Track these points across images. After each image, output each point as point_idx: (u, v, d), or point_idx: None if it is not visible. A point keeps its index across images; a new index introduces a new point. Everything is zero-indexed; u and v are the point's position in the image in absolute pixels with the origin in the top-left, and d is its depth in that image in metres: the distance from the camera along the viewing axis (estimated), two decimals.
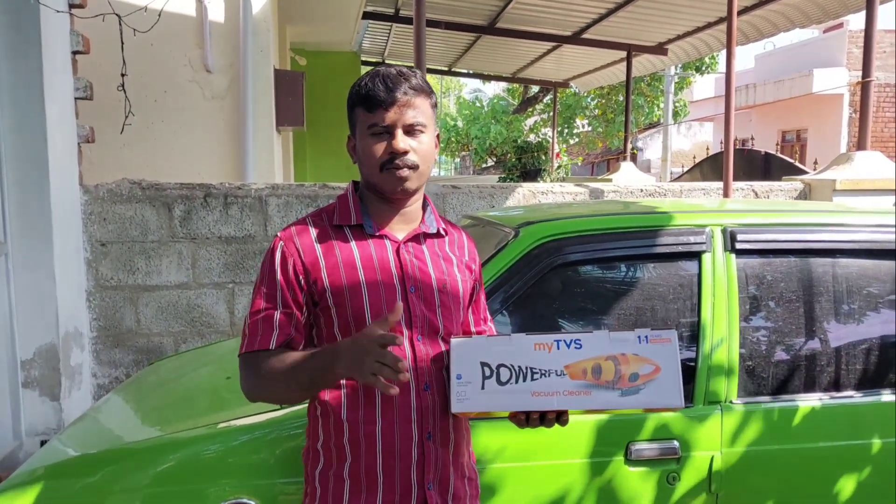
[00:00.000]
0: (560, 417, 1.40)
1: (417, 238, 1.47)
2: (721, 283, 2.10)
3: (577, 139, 19.33)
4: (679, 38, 8.19)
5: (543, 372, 1.35)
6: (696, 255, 2.13)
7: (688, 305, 2.10)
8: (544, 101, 16.19)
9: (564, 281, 2.07)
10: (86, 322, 3.78)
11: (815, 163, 6.54)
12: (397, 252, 1.44)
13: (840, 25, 15.06)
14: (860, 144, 4.69)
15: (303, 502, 1.49)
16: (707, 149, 9.91)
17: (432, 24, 8.36)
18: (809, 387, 2.07)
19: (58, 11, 3.30)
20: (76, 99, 3.63)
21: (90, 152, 3.89)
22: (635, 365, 1.33)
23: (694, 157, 10.19)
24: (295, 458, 1.84)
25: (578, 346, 1.35)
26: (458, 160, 23.93)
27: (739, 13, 6.86)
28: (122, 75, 3.43)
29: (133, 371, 3.78)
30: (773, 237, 2.16)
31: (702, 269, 2.11)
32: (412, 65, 11.75)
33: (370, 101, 1.37)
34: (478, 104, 18.59)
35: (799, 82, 14.83)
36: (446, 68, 11.98)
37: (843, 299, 2.18)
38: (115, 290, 3.82)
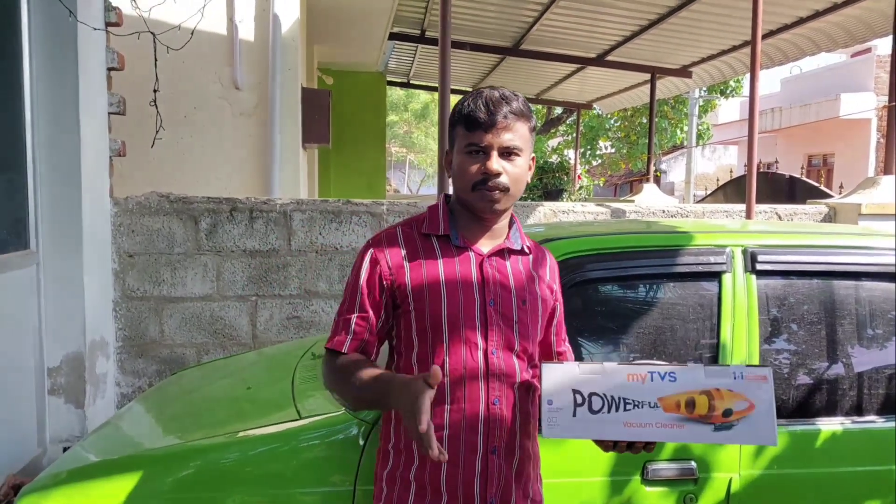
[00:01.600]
0: (648, 445, 1.42)
1: (501, 253, 1.52)
2: (741, 303, 2.09)
3: (599, 160, 19.31)
4: (703, 60, 8.20)
5: (637, 403, 1.35)
6: (716, 276, 2.12)
7: (707, 326, 2.10)
8: (567, 122, 16.23)
9: (585, 298, 2.08)
10: (112, 331, 3.85)
11: (841, 187, 6.47)
12: (480, 265, 1.48)
13: (868, 50, 14.96)
14: (886, 168, 4.64)
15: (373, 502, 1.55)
16: (731, 172, 9.85)
17: (457, 45, 8.46)
18: (830, 410, 2.05)
19: (95, 29, 3.41)
20: (109, 114, 3.74)
21: (121, 165, 3.99)
22: (729, 400, 1.33)
23: (717, 180, 10.13)
24: (312, 469, 1.87)
25: (673, 378, 1.35)
26: None
27: (764, 37, 6.86)
28: (155, 91, 3.52)
29: (156, 381, 3.84)
30: (793, 258, 2.15)
31: (722, 290, 2.11)
32: (437, 85, 11.79)
33: (471, 120, 1.43)
34: None
35: (826, 106, 14.72)
36: (470, 89, 12.09)
37: (865, 323, 2.16)
38: (141, 301, 3.89)
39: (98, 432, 2.39)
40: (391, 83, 12.21)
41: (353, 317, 1.48)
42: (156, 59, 3.43)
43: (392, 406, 1.38)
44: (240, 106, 4.61)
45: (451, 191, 1.60)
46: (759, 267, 2.12)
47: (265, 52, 4.56)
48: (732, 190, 7.68)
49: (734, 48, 7.47)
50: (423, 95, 27.73)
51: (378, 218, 4.06)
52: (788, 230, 2.32)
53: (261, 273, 3.94)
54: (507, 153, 1.43)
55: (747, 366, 1.37)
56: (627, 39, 7.68)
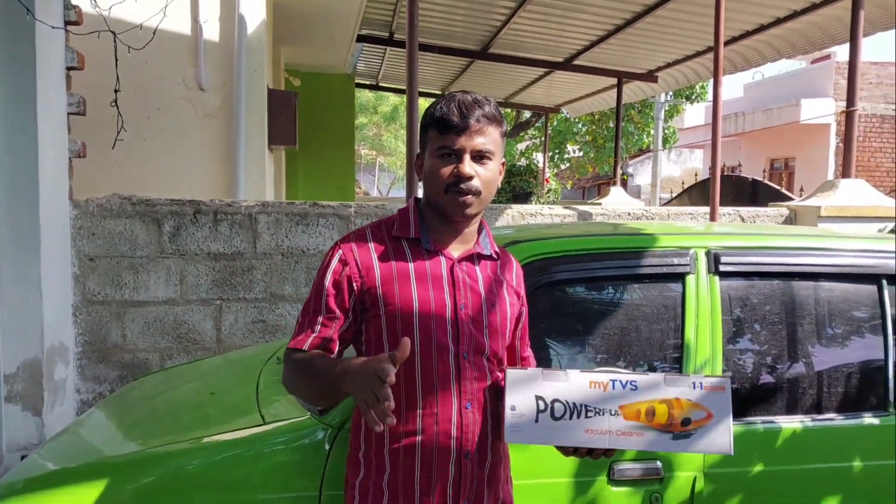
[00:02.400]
0: (607, 451, 1.43)
1: (471, 258, 1.52)
2: (705, 304, 2.11)
3: (567, 164, 19.46)
4: (669, 65, 8.32)
5: (598, 410, 1.36)
6: (680, 277, 2.15)
7: (672, 327, 2.12)
8: (536, 125, 16.34)
9: (551, 299, 2.08)
10: (71, 337, 3.76)
11: (801, 190, 6.63)
12: (451, 269, 1.48)
13: (827, 57, 15.34)
14: (845, 172, 4.76)
15: None
16: (696, 175, 10.01)
17: (426, 48, 8.46)
18: (792, 409, 2.09)
19: (53, 27, 3.33)
20: (69, 114, 3.65)
21: (81, 167, 3.90)
22: (688, 410, 1.35)
23: (683, 183, 10.30)
24: (277, 474, 1.84)
25: (634, 387, 1.36)
26: None
27: (727, 43, 6.98)
28: (116, 91, 3.45)
29: (117, 387, 3.75)
30: (756, 260, 2.19)
31: (686, 291, 2.13)
32: (404, 87, 11.77)
33: (443, 124, 1.43)
34: None
35: (787, 111, 15.05)
36: (439, 92, 12.09)
37: (825, 323, 2.20)
38: (102, 305, 3.80)
39: (56, 439, 2.33)
40: (360, 85, 12.15)
41: (319, 318, 1.47)
42: (116, 59, 3.36)
43: (344, 386, 1.31)
44: (204, 107, 4.54)
45: (420, 194, 1.60)
46: (722, 268, 2.15)
47: (230, 52, 4.50)
48: (697, 193, 7.82)
49: (698, 53, 7.60)
50: (393, 98, 27.63)
51: (346, 220, 4.03)
52: (750, 232, 2.36)
53: (225, 276, 3.88)
54: (480, 157, 1.44)
55: (706, 376, 1.38)
56: (594, 44, 7.76)
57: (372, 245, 1.48)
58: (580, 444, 1.39)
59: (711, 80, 9.24)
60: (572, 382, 1.37)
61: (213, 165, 4.50)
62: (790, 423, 2.05)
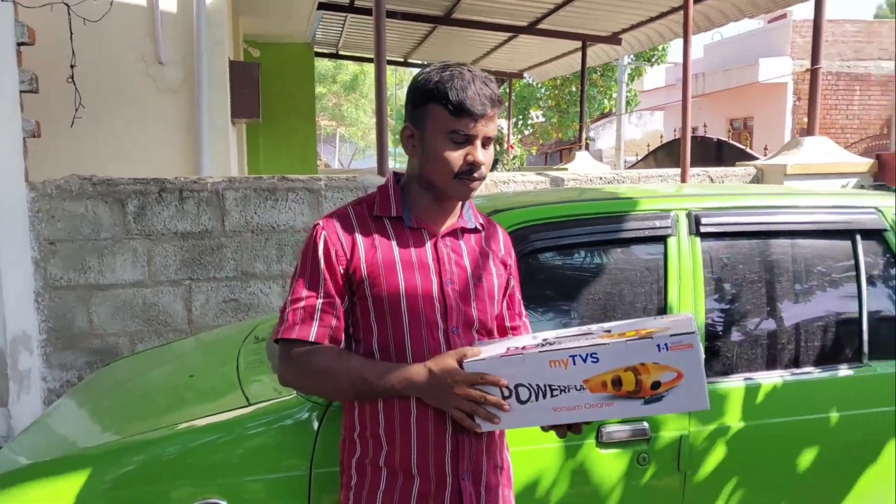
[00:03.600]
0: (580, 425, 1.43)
1: (455, 233, 1.50)
2: (686, 265, 2.13)
3: (531, 129, 19.45)
4: (633, 27, 8.30)
5: (563, 388, 1.32)
6: (661, 239, 2.15)
7: (655, 289, 2.13)
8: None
9: (535, 267, 2.07)
10: (34, 324, 3.64)
11: (766, 149, 6.72)
12: (435, 245, 1.46)
13: (784, 16, 15.48)
14: (809, 130, 4.82)
15: (340, 492, 1.51)
16: (661, 137, 10.09)
17: (389, 14, 8.26)
18: (772, 364, 2.12)
19: (1, 1, 3.15)
20: (21, 92, 3.48)
21: (37, 148, 3.74)
22: (656, 373, 1.29)
23: (648, 146, 10.37)
24: (262, 455, 1.81)
25: (595, 359, 1.30)
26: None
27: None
28: (72, 66, 3.29)
29: (86, 374, 3.66)
30: (735, 220, 2.20)
31: (668, 253, 2.14)
32: (369, 56, 11.49)
33: (460, 107, 1.37)
34: None
35: (746, 71, 15.20)
36: (402, 59, 11.91)
37: (802, 279, 2.23)
38: (66, 290, 3.68)
39: (27, 433, 2.25)
40: (319, 54, 11.89)
41: (319, 302, 1.41)
42: (71, 33, 3.20)
43: (430, 399, 1.38)
44: (164, 81, 4.37)
45: (399, 167, 1.56)
46: (702, 229, 2.16)
47: (189, 24, 4.32)
48: (663, 154, 7.87)
49: (662, 14, 7.58)
50: (352, 66, 27.16)
51: (316, 194, 3.95)
52: (728, 192, 2.37)
53: (194, 256, 3.78)
54: (487, 142, 1.43)
55: (671, 335, 1.29)
56: (559, 7, 7.69)
57: (356, 225, 1.45)
58: (552, 423, 1.38)
59: (673, 42, 9.27)
60: (531, 365, 1.32)
61: (176, 141, 4.36)
62: (771, 379, 2.09)
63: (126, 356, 3.12)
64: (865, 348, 2.15)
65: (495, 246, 1.58)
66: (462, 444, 1.44)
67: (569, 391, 1.31)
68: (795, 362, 2.14)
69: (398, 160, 33.23)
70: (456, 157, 1.39)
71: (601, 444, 1.96)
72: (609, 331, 1.35)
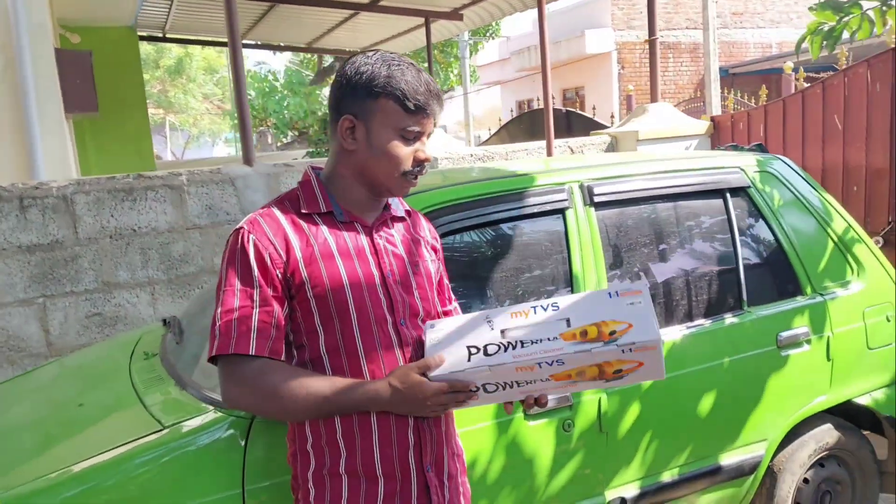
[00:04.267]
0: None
1: (386, 222, 1.46)
2: (585, 235, 2.22)
3: None
4: (473, 3, 8.44)
5: (530, 382, 1.35)
6: (560, 212, 2.23)
7: (560, 259, 2.20)
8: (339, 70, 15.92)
9: (448, 248, 2.06)
10: None
11: (612, 116, 7.16)
12: (371, 237, 1.42)
13: None
14: (652, 97, 5.20)
15: None
16: (511, 111, 10.40)
17: None
18: (671, 320, 2.28)
19: None
20: None
21: None
22: (618, 364, 1.32)
23: (500, 120, 10.66)
24: (193, 479, 1.67)
25: (561, 363, 1.32)
26: (254, 136, 22.80)
27: None
28: None
29: None
30: (623, 188, 2.33)
31: (567, 224, 2.22)
32: (203, 38, 10.74)
33: (416, 102, 1.33)
34: (270, 77, 17.83)
35: (573, 43, 16.06)
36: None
37: (686, 238, 2.41)
38: None
39: None
40: (144, 38, 10.97)
41: (255, 311, 1.31)
42: None
43: (391, 410, 1.34)
44: None
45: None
46: (596, 199, 2.26)
47: (4, 8, 3.78)
48: (515, 128, 8.14)
49: None
50: (176, 49, 25.40)
51: (178, 191, 3.66)
52: (613, 162, 2.49)
53: (45, 270, 3.38)
54: (428, 136, 1.42)
55: (635, 342, 1.31)
56: None
57: (285, 224, 1.37)
58: (517, 399, 1.41)
59: (507, 18, 9.54)
60: (498, 373, 1.33)
61: (2, 142, 3.84)
62: (671, 334, 2.24)
63: None
64: (745, 296, 2.37)
65: (422, 232, 1.57)
66: (424, 436, 1.42)
67: (535, 383, 1.35)
68: (689, 316, 2.32)
69: (238, 147, 31.71)
70: (406, 154, 1.37)
71: (529, 416, 2.01)
72: (568, 320, 1.36)
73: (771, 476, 2.42)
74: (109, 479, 1.64)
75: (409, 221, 1.55)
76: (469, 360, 1.33)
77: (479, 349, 1.34)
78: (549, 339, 1.33)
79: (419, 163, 1.39)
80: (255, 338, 1.30)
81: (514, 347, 1.33)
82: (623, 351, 1.30)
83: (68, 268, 3.41)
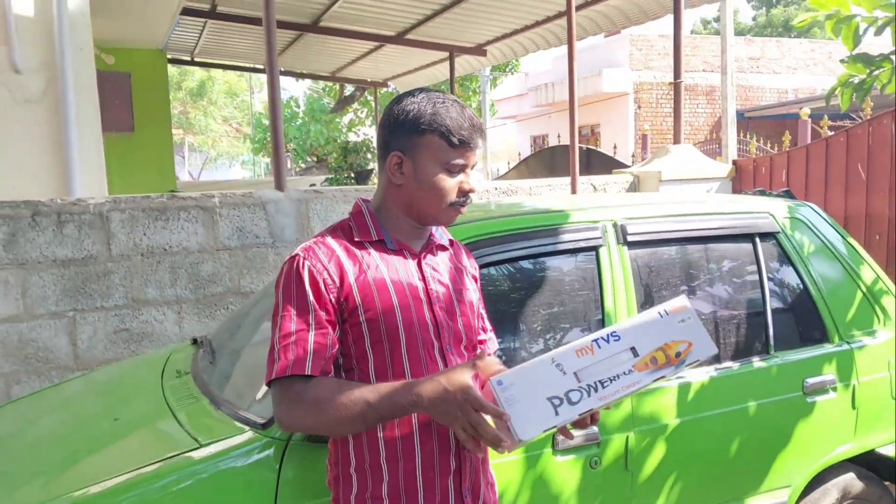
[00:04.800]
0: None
1: (432, 250, 1.51)
2: (618, 273, 2.25)
3: None
4: (497, 39, 8.60)
5: (612, 378, 1.40)
6: (593, 249, 2.27)
7: (591, 297, 2.24)
8: (360, 99, 16.18)
9: (486, 281, 2.10)
10: None
11: (633, 156, 7.23)
12: (419, 265, 1.47)
13: (618, 31, 16.73)
14: (675, 139, 5.26)
15: None
16: (524, 147, 10.50)
17: (252, 21, 8.00)
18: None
19: None
20: None
21: None
22: (675, 346, 1.42)
23: (519, 154, 10.76)
24: (218, 499, 1.69)
25: (617, 338, 1.41)
26: (270, 161, 23.12)
27: (551, 18, 7.38)
28: None
29: None
30: (656, 228, 2.37)
31: (599, 262, 2.26)
32: (231, 63, 10.95)
33: (461, 138, 1.40)
34: (293, 103, 18.13)
35: (590, 81, 16.26)
36: (262, 66, 11.51)
37: (715, 279, 2.44)
38: None
39: None
40: (172, 61, 11.23)
41: (311, 335, 1.35)
42: None
43: (435, 415, 1.31)
44: (23, 92, 3.92)
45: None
46: (629, 238, 2.30)
47: (49, 29, 3.91)
48: (534, 162, 8.22)
49: (526, 28, 7.93)
50: (199, 73, 25.89)
51: (210, 212, 3.73)
52: (645, 202, 2.54)
53: (77, 284, 3.44)
54: (472, 167, 1.49)
55: (696, 357, 1.43)
56: (428, 18, 7.80)
57: (339, 251, 1.42)
58: (595, 408, 1.37)
59: (530, 54, 9.70)
60: (544, 369, 1.36)
61: (42, 158, 3.92)
62: (698, 375, 2.26)
63: (2, 405, 2.77)
64: (772, 341, 2.39)
65: (464, 262, 1.62)
66: (464, 461, 1.45)
67: (617, 378, 1.39)
68: (717, 358, 2.33)
69: (254, 168, 32.02)
70: (451, 186, 1.43)
71: (557, 451, 2.03)
72: (633, 349, 1.40)
73: None
74: (142, 495, 1.67)
75: (453, 250, 1.60)
76: (557, 413, 1.32)
77: (561, 399, 1.33)
78: (624, 374, 1.37)
79: (464, 193, 1.45)
80: (311, 359, 1.34)
81: (595, 390, 1.35)
82: (671, 330, 1.42)
83: (100, 283, 3.47)
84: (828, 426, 2.41)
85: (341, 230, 1.47)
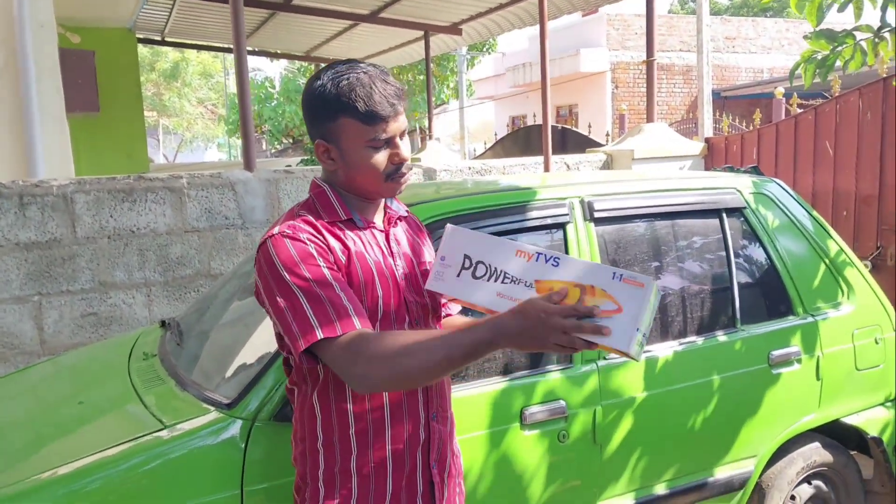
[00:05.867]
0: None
1: (394, 223, 1.50)
2: (584, 250, 2.26)
3: None
4: (472, 18, 8.53)
5: (514, 279, 1.36)
6: (561, 226, 2.27)
7: None
8: None
9: None
10: None
11: (607, 135, 7.24)
12: (387, 241, 1.46)
13: (595, 11, 16.67)
14: (648, 117, 5.27)
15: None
16: (501, 127, 10.47)
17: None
18: (665, 336, 2.32)
19: None
20: None
21: None
22: (599, 299, 1.27)
23: (496, 134, 10.73)
24: (191, 480, 1.69)
25: (556, 264, 1.33)
26: None
27: None
28: None
29: None
30: (623, 204, 2.37)
31: (567, 239, 2.26)
32: (203, 43, 10.73)
33: (370, 114, 1.33)
34: (268, 84, 17.87)
35: (568, 61, 16.22)
36: (232, 46, 11.31)
37: (682, 255, 2.46)
38: None
39: None
40: (143, 41, 10.98)
41: (338, 290, 1.30)
42: None
43: (514, 346, 1.25)
44: None
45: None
46: (596, 215, 2.30)
47: (8, 4, 3.80)
48: (510, 142, 8.21)
49: (501, 6, 7.87)
50: (172, 53, 25.40)
51: (178, 193, 3.68)
52: (612, 179, 2.54)
53: (41, 268, 3.38)
54: (402, 134, 1.42)
55: (630, 272, 1.29)
56: None
57: (323, 231, 1.38)
58: (488, 307, 1.38)
59: (505, 34, 9.64)
60: (501, 248, 1.39)
61: (2, 139, 3.83)
62: (665, 350, 2.28)
63: None
64: (738, 314, 2.41)
65: (421, 235, 1.61)
66: (433, 433, 1.45)
67: (518, 283, 1.35)
68: (683, 332, 2.36)
69: (230, 151, 31.65)
70: (381, 160, 1.38)
71: (525, 426, 2.04)
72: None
73: (759, 492, 2.46)
74: (107, 477, 1.66)
75: (409, 220, 1.59)
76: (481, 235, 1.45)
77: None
78: (525, 286, 1.36)
79: (397, 164, 1.40)
80: (356, 316, 1.29)
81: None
82: (613, 276, 1.28)
83: (65, 267, 3.41)
84: (792, 397, 2.45)
85: (308, 211, 1.42)
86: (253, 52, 12.40)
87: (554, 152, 6.01)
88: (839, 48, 2.77)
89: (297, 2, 8.10)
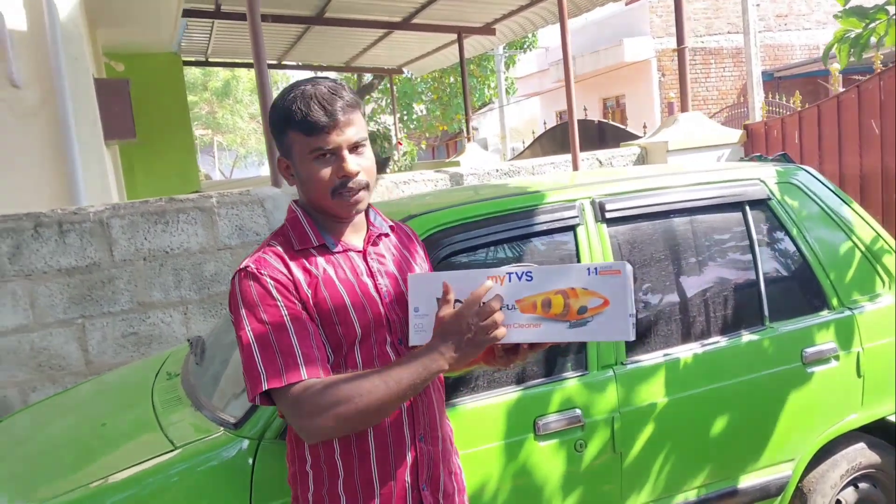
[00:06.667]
0: (515, 353, 1.40)
1: (374, 242, 1.47)
2: (596, 252, 2.19)
3: (415, 124, 19.53)
4: (504, 17, 8.47)
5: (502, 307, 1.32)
6: (571, 229, 2.21)
7: None
8: (379, 87, 16.15)
9: (457, 268, 2.06)
10: None
11: (645, 126, 7.06)
12: (365, 261, 1.43)
13: None
14: (682, 107, 5.11)
15: None
16: (544, 123, 10.37)
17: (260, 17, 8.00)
18: (687, 338, 2.23)
19: None
20: None
21: None
22: (585, 298, 1.28)
23: (533, 133, 10.65)
24: (200, 500, 1.71)
25: (529, 278, 1.31)
26: None
27: None
28: None
29: None
30: (636, 203, 2.29)
31: (577, 241, 2.19)
32: (244, 61, 11.02)
33: (308, 126, 1.31)
34: None
35: (612, 52, 15.91)
36: (276, 62, 11.57)
37: (703, 253, 2.36)
38: None
39: None
40: (188, 63, 11.35)
41: (292, 335, 1.30)
42: None
43: (448, 362, 1.29)
44: (21, 106, 4.00)
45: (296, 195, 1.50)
46: (607, 215, 2.23)
47: (43, 42, 3.97)
48: (547, 140, 8.10)
49: (531, 3, 7.79)
50: (223, 72, 26.17)
51: (209, 213, 3.76)
52: (625, 177, 2.46)
53: (83, 292, 3.51)
54: (355, 147, 1.36)
55: (603, 263, 1.31)
56: (431, 1, 7.72)
57: (289, 261, 1.37)
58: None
59: (542, 30, 9.54)
60: (471, 281, 1.34)
61: (42, 170, 4.00)
62: (687, 352, 2.19)
63: (19, 410, 2.85)
64: (766, 311, 2.30)
65: (413, 248, 1.58)
66: (421, 454, 1.43)
67: (501, 309, 1.31)
68: (706, 333, 2.26)
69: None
70: (325, 175, 1.34)
71: (539, 436, 1.99)
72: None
73: (800, 497, 2.34)
74: (118, 500, 1.69)
75: (395, 236, 1.55)
76: (443, 273, 1.40)
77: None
78: (506, 308, 1.32)
79: (342, 178, 1.34)
80: (303, 362, 1.29)
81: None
82: (589, 271, 1.29)
83: (105, 289, 3.53)
84: (831, 396, 2.32)
85: (281, 238, 1.42)
86: (296, 67, 12.64)
87: (592, 147, 5.91)
88: (872, 25, 2.62)
89: (329, 14, 8.21)
